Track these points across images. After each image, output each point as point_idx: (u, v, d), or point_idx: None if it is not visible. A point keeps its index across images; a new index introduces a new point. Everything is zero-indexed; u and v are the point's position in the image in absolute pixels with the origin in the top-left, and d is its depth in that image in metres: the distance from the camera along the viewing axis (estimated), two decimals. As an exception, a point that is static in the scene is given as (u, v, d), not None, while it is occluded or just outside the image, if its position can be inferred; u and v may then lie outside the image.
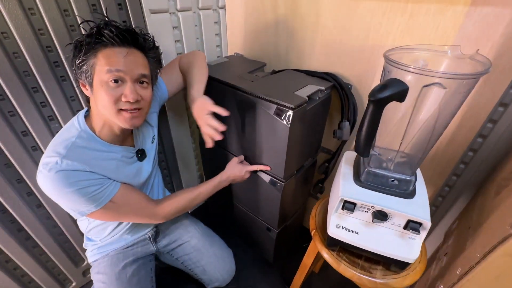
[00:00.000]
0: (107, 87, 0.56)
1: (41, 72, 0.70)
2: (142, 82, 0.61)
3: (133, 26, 0.82)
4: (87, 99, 0.64)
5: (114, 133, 0.64)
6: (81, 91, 0.62)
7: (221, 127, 0.69)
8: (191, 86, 0.76)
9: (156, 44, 0.66)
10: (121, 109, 0.58)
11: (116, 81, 0.56)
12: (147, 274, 0.84)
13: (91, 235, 0.79)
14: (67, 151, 0.56)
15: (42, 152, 0.78)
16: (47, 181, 0.54)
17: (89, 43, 0.55)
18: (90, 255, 0.81)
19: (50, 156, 0.55)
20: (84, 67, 0.56)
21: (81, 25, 0.56)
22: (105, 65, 0.55)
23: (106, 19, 0.58)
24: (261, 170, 0.86)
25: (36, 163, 0.77)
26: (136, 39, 0.59)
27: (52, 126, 0.77)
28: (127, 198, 0.67)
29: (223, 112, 0.69)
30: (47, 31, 0.68)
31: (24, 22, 0.63)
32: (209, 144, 0.72)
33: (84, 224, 0.75)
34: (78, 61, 0.56)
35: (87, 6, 0.72)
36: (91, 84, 0.57)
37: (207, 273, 0.90)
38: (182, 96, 1.08)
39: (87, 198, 0.58)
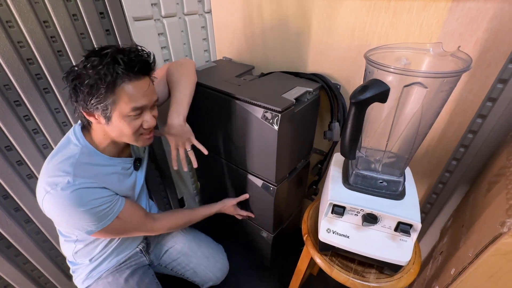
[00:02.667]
0: (130, 120, 0.57)
1: (22, 85, 0.68)
2: (154, 106, 0.63)
3: (118, 35, 0.81)
4: (88, 122, 0.60)
5: (119, 147, 0.66)
6: (82, 116, 0.59)
7: (195, 164, 0.78)
8: (172, 105, 0.71)
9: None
10: (140, 134, 0.61)
11: (139, 113, 0.58)
12: (151, 281, 0.82)
13: (78, 258, 0.74)
14: (74, 169, 0.55)
15: (28, 167, 0.76)
16: (58, 201, 0.53)
17: (107, 82, 0.52)
18: (80, 281, 0.76)
19: (57, 175, 0.54)
20: (102, 104, 0.54)
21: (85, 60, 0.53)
22: (129, 103, 0.55)
23: (114, 47, 0.55)
24: (253, 175, 0.85)
25: (23, 178, 0.76)
26: (149, 68, 0.59)
27: (37, 139, 0.76)
28: (131, 214, 0.67)
29: (204, 151, 0.76)
30: (27, 43, 0.67)
31: (2, 36, 0.62)
32: (175, 166, 0.76)
33: (70, 246, 0.71)
34: (95, 99, 0.53)
35: (68, 16, 0.70)
36: (108, 118, 0.56)
37: (199, 275, 0.89)
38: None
39: (98, 216, 0.58)
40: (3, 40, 0.63)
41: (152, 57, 0.60)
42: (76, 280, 0.77)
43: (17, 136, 0.72)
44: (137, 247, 0.83)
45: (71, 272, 0.78)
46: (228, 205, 0.94)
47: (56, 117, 0.78)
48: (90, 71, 0.51)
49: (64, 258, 0.95)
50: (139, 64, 0.55)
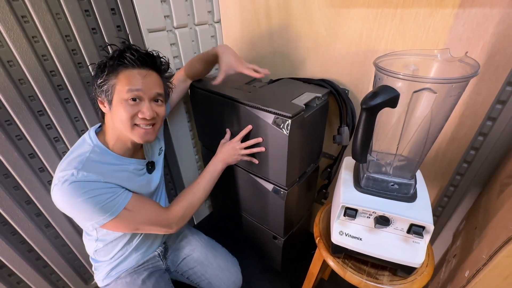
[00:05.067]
0: (126, 104, 0.60)
1: (46, 96, 0.72)
2: (157, 100, 0.66)
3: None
4: (102, 115, 0.67)
5: (127, 147, 0.67)
6: (98, 107, 0.65)
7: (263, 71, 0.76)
8: (213, 51, 0.80)
9: (170, 66, 0.71)
10: (135, 124, 0.62)
11: (134, 99, 0.60)
12: (166, 284, 0.83)
13: (98, 256, 0.77)
14: (83, 165, 0.58)
15: (50, 173, 0.80)
16: (60, 193, 0.56)
17: (112, 65, 0.60)
18: (100, 279, 0.79)
19: (66, 170, 0.57)
20: (105, 86, 0.60)
21: (108, 47, 0.67)
22: (126, 85, 0.59)
23: (127, 43, 0.64)
24: (264, 179, 0.87)
25: (44, 184, 0.80)
26: (155, 62, 0.65)
27: (58, 147, 0.80)
28: (140, 205, 0.67)
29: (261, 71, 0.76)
30: (50, 56, 0.71)
31: (28, 50, 0.66)
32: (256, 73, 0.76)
33: (92, 244, 0.74)
34: (100, 81, 0.61)
35: (87, 30, 0.75)
36: (110, 102, 0.61)
37: (213, 286, 0.89)
38: (184, 110, 1.10)
39: (100, 207, 0.58)
40: (29, 54, 0.67)
41: (164, 58, 0.68)
42: (97, 277, 0.80)
43: (40, 144, 0.75)
44: (155, 250, 0.85)
45: (93, 269, 0.81)
46: (221, 147, 0.84)
47: (76, 126, 0.81)
48: (105, 57, 0.62)
49: (81, 262, 0.98)
50: (145, 56, 0.62)
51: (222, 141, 0.86)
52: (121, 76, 0.60)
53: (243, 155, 0.81)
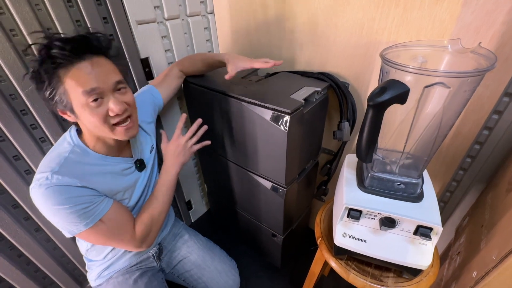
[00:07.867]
0: (90, 109, 0.52)
1: (28, 94, 0.68)
2: (119, 89, 0.57)
3: (121, 40, 0.80)
4: (73, 122, 0.60)
5: (109, 145, 0.63)
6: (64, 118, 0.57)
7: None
8: (218, 55, 0.79)
9: (110, 38, 0.61)
10: (114, 125, 0.56)
11: (95, 99, 0.52)
12: (159, 284, 0.81)
13: (90, 255, 0.75)
14: (60, 166, 0.54)
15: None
16: (38, 196, 0.53)
17: (47, 71, 0.49)
18: (93, 279, 0.77)
19: (43, 171, 0.54)
20: (56, 96, 0.51)
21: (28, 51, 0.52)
22: (77, 87, 0.50)
23: (47, 33, 0.51)
24: (262, 177, 0.84)
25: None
26: (91, 45, 0.53)
27: (44, 147, 0.75)
28: (116, 219, 0.62)
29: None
30: (32, 52, 0.66)
31: (6, 45, 0.61)
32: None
33: (83, 243, 0.72)
34: (47, 93, 0.51)
35: (71, 23, 0.70)
36: (72, 110, 0.53)
37: None
38: (178, 106, 1.05)
39: (77, 215, 0.55)
40: (7, 50, 0.62)
41: (100, 33, 0.55)
42: (89, 277, 0.78)
43: (24, 145, 0.71)
44: (149, 251, 0.83)
45: (86, 268, 0.79)
46: (165, 149, 0.74)
47: (63, 124, 0.77)
48: (34, 63, 0.50)
49: (74, 264, 0.95)
50: (77, 42, 0.50)
51: (163, 145, 0.76)
52: (66, 79, 0.50)
53: (191, 147, 0.75)
